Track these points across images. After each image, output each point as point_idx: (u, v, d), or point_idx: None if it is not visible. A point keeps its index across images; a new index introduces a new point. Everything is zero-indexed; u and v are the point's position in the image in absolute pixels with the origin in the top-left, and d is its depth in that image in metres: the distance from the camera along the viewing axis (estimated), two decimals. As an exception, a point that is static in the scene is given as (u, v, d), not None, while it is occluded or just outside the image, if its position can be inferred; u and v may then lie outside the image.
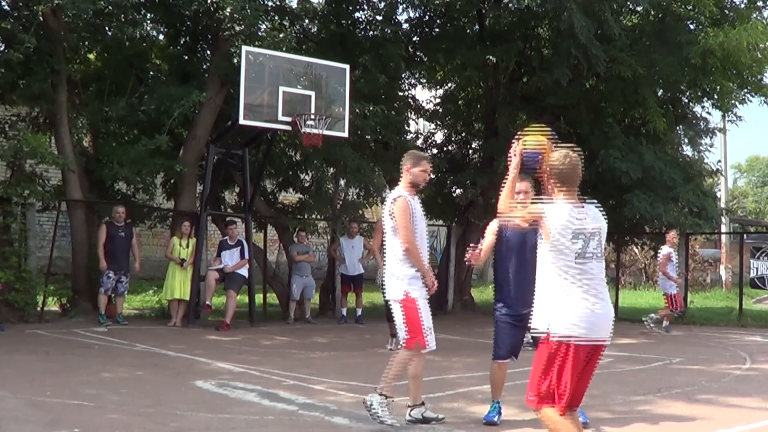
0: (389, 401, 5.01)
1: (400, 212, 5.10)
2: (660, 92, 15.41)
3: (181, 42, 14.24)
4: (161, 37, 14.38)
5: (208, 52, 13.72)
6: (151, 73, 14.28)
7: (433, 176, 5.34)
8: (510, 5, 15.03)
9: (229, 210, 14.98)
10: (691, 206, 14.60)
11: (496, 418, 5.24)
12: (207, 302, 11.64)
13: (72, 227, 12.37)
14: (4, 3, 11.49)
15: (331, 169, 14.31)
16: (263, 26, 12.62)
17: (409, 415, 5.16)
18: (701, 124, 16.32)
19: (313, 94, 11.34)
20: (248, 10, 11.12)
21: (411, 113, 16.61)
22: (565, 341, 3.93)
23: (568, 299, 3.97)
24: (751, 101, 15.65)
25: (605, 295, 4.06)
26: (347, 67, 11.83)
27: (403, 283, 5.11)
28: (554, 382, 3.97)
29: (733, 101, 15.28)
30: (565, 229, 4.00)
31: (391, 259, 5.18)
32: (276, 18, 13.17)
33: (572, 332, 3.92)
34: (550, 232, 4.01)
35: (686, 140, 16.44)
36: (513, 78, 15.79)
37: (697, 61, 13.11)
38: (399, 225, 5.10)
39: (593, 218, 4.12)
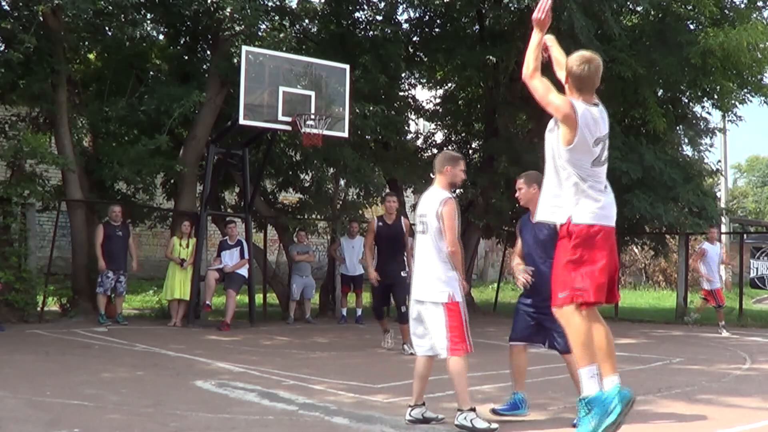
0: (475, 412, 5.01)
1: (449, 215, 5.12)
2: (660, 92, 15.41)
3: (181, 42, 14.25)
4: (161, 37, 14.39)
5: (208, 52, 13.73)
6: (151, 73, 14.30)
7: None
8: (510, 5, 14.97)
9: (229, 210, 14.98)
10: (691, 206, 14.60)
11: (500, 407, 5.38)
12: (207, 302, 11.64)
13: (72, 227, 12.37)
14: (4, 3, 11.50)
15: (331, 169, 14.30)
16: (263, 26, 12.62)
17: (410, 414, 5.16)
18: (701, 124, 16.33)
19: (313, 94, 11.34)
20: (248, 10, 11.12)
21: (411, 113, 16.61)
22: (588, 223, 4.05)
23: (583, 196, 4.07)
24: (751, 101, 15.68)
25: (609, 192, 4.22)
26: (347, 67, 11.83)
27: (447, 285, 5.09)
28: (587, 271, 4.00)
29: (733, 101, 15.30)
30: (591, 132, 3.98)
31: (434, 260, 5.15)
32: (276, 18, 13.16)
33: (593, 221, 4.04)
34: (578, 131, 3.97)
35: (686, 140, 16.45)
36: (513, 78, 15.76)
37: (697, 61, 13.11)
38: (447, 227, 5.11)
39: (605, 122, 4.12)
